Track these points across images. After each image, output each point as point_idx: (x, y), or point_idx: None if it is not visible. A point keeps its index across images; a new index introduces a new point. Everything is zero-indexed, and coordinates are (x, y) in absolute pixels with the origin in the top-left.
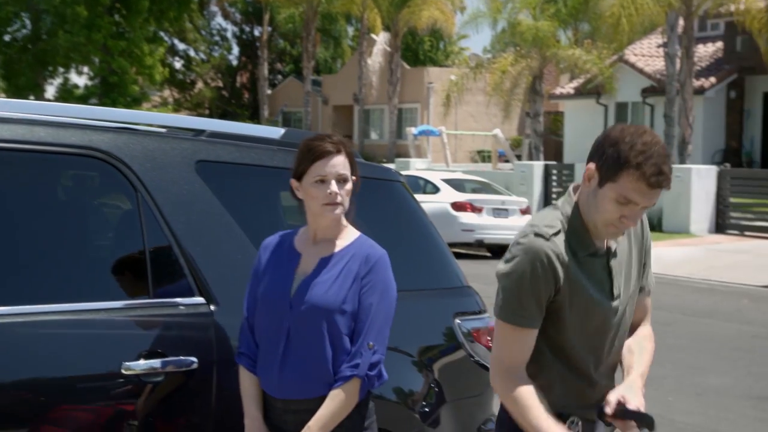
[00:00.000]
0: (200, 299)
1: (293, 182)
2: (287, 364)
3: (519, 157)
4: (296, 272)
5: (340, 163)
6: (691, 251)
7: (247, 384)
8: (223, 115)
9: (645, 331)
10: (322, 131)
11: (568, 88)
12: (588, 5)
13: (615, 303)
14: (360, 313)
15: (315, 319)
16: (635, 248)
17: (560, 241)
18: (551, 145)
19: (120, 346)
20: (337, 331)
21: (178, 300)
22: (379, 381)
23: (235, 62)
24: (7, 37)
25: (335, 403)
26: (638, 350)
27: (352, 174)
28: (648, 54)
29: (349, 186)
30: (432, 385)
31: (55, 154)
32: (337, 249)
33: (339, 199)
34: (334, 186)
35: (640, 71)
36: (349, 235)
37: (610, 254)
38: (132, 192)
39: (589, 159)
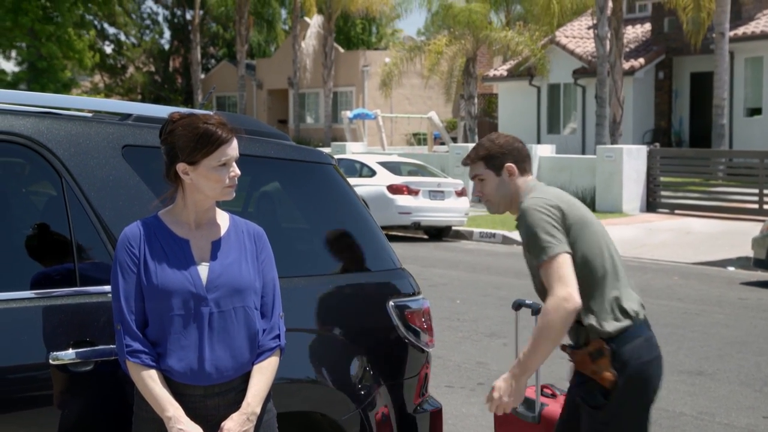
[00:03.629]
0: None
1: (183, 166)
2: (213, 350)
3: (455, 140)
4: (195, 258)
5: (235, 146)
6: (624, 230)
7: (152, 381)
8: (156, 100)
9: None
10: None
11: (501, 70)
12: None
13: None
14: (265, 287)
15: (235, 301)
16: None
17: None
18: (486, 127)
19: (48, 336)
20: (253, 309)
21: (106, 288)
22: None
23: (167, 46)
24: None
25: (266, 375)
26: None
27: None
28: (579, 36)
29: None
30: (366, 368)
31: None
32: (223, 230)
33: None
34: (236, 168)
35: (571, 53)
36: (222, 215)
37: None
38: (57, 178)
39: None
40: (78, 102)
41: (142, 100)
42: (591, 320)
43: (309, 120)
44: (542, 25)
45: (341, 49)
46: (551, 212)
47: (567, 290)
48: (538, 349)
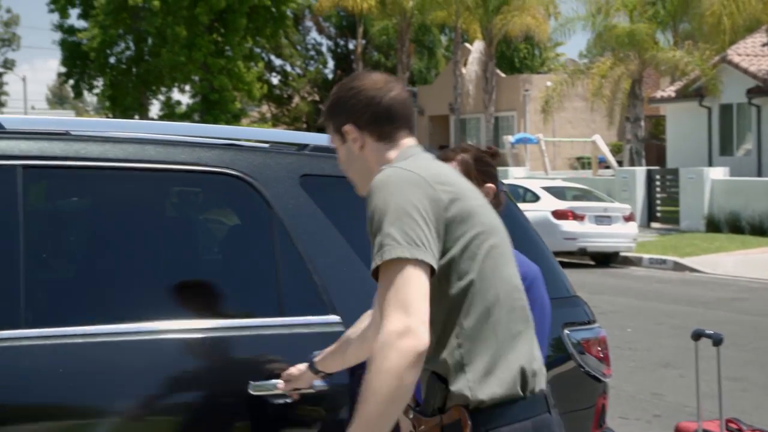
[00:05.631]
0: (335, 317)
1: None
2: None
3: (620, 163)
4: None
5: None
6: None
7: None
8: (321, 129)
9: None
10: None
11: (669, 91)
12: (688, 5)
13: None
14: None
15: None
16: None
17: None
18: (653, 150)
19: (249, 366)
20: None
21: (311, 319)
22: None
23: (330, 76)
24: (112, 59)
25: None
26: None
27: None
28: (752, 53)
29: None
30: None
31: (192, 172)
32: None
33: None
34: None
35: (745, 71)
36: None
37: None
38: (262, 208)
39: None
40: (256, 133)
41: (307, 129)
42: (456, 377)
43: None
44: (712, 43)
45: (502, 74)
46: (423, 193)
47: (407, 321)
48: (365, 418)
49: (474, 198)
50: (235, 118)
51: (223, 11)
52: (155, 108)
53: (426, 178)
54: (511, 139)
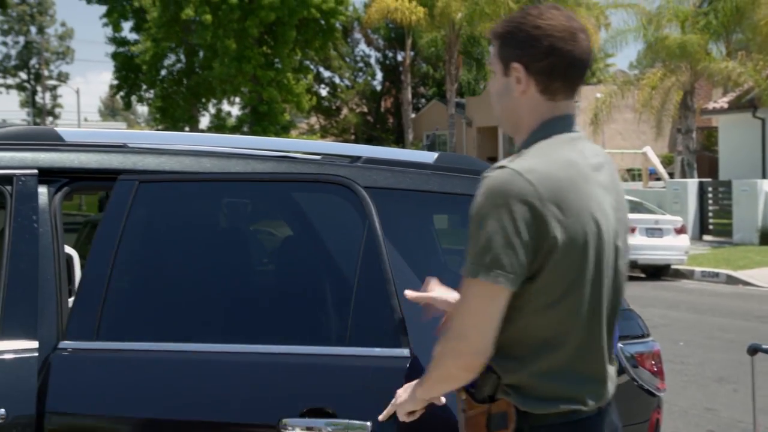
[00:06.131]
0: (404, 351)
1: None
2: None
3: (671, 175)
4: None
5: None
6: None
7: None
8: (369, 140)
9: None
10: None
11: (722, 102)
12: (741, 15)
13: None
14: None
15: None
16: None
17: None
18: (705, 162)
19: (281, 398)
20: None
21: (377, 351)
22: None
23: (378, 87)
24: (163, 72)
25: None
26: None
27: None
28: None
29: None
30: None
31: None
32: None
33: None
34: None
35: None
36: None
37: None
38: (360, 220)
39: None
40: (307, 145)
41: (356, 141)
42: (509, 379)
43: None
44: (766, 53)
45: None
46: (524, 210)
47: (467, 343)
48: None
49: (588, 217)
50: (283, 130)
51: (273, 24)
52: (205, 119)
53: (540, 194)
54: None
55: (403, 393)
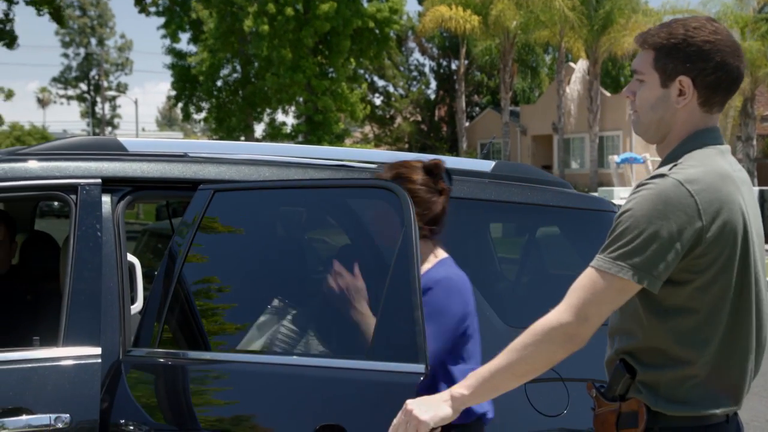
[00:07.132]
0: (420, 366)
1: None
2: None
3: None
4: None
5: None
6: None
7: None
8: (422, 149)
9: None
10: (522, 162)
11: None
12: None
13: None
14: None
15: None
16: None
17: None
18: (765, 170)
19: (305, 411)
20: None
21: (393, 365)
22: None
23: (432, 96)
24: (219, 82)
25: None
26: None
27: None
28: None
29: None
30: None
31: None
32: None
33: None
34: None
35: None
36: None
37: None
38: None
39: None
40: (363, 154)
41: (409, 150)
42: (648, 377)
43: (574, 165)
44: None
45: (607, 93)
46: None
47: (577, 324)
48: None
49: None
50: (338, 139)
51: (328, 34)
52: (260, 129)
53: (700, 207)
54: (616, 158)
55: (424, 407)
